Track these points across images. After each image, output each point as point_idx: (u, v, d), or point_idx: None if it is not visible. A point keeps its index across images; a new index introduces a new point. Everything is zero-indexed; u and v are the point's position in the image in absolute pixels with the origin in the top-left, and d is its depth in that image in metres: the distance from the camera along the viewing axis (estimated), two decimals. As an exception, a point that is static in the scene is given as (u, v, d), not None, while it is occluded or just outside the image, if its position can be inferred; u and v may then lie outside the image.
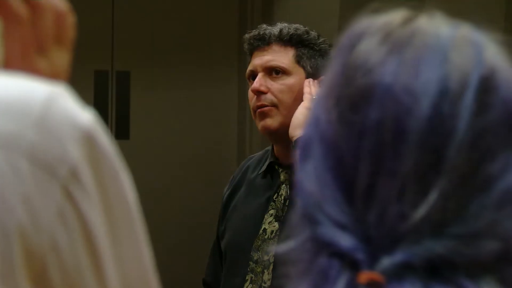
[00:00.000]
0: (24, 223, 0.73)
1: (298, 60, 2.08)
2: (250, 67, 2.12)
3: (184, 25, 4.77)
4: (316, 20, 4.09)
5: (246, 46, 2.13)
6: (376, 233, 0.73)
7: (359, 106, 0.74)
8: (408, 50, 0.75)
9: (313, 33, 2.11)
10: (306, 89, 2.05)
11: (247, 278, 2.06)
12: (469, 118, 0.72)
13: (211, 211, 4.84)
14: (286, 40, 2.08)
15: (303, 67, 2.09)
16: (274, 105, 2.08)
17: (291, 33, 2.08)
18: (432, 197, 0.71)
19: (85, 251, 0.75)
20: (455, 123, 0.72)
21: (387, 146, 0.72)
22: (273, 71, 2.09)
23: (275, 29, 2.09)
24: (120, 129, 4.57)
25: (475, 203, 0.72)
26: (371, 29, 0.77)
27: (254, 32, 2.12)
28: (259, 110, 2.09)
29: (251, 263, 2.06)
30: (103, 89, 4.65)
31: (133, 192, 0.80)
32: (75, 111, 0.77)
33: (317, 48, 2.10)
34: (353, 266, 0.73)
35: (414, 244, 0.71)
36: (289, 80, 2.08)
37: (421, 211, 0.71)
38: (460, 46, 0.75)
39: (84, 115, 0.77)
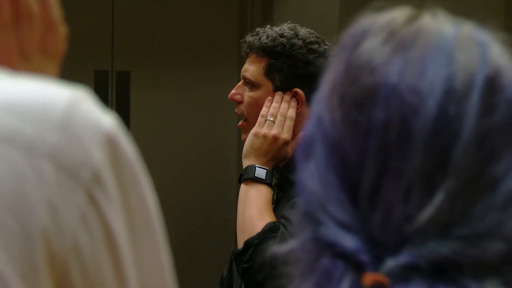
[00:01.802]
0: (48, 226, 0.73)
1: (267, 73, 2.04)
2: None
3: (184, 25, 4.76)
4: (316, 20, 4.08)
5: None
6: (380, 234, 0.72)
7: (364, 106, 0.73)
8: (412, 50, 0.74)
9: (297, 41, 2.03)
10: (262, 110, 2.03)
11: (239, 282, 2.06)
12: (475, 119, 0.72)
13: (212, 211, 4.84)
14: (261, 51, 2.04)
15: (271, 80, 2.04)
16: (244, 118, 2.09)
17: (263, 44, 2.03)
18: (438, 198, 0.71)
19: (106, 254, 0.76)
20: (461, 123, 0.71)
21: (392, 146, 0.72)
22: (247, 82, 2.07)
23: (256, 38, 2.05)
24: (120, 129, 4.56)
25: (481, 204, 0.72)
26: (374, 28, 0.77)
27: (246, 36, 2.09)
28: (237, 124, 2.12)
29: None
30: (103, 89, 4.64)
31: (154, 196, 0.80)
32: (97, 115, 0.77)
33: (294, 59, 2.02)
34: (357, 267, 0.72)
35: (419, 245, 0.71)
36: (257, 94, 2.06)
37: (427, 213, 0.70)
38: (465, 46, 0.74)
39: (106, 119, 0.77)
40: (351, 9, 4.22)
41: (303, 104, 2.04)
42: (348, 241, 0.72)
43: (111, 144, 0.76)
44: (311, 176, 0.76)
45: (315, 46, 2.04)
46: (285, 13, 4.45)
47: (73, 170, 0.74)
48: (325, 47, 2.05)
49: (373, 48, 0.75)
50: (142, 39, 4.71)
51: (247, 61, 2.08)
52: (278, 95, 2.03)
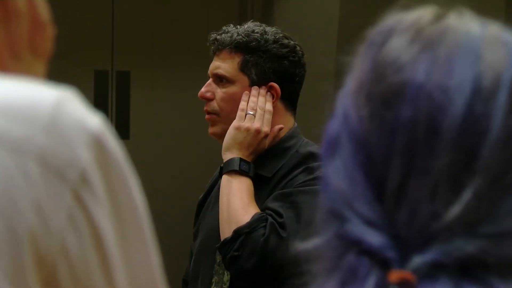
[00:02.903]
0: (35, 227, 0.73)
1: (243, 68, 2.08)
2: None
3: (184, 25, 4.76)
4: (316, 20, 4.08)
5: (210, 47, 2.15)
6: (407, 232, 0.72)
7: (392, 103, 0.73)
8: (440, 48, 0.74)
9: (269, 37, 2.09)
10: (240, 104, 2.07)
11: (213, 280, 2.08)
12: (502, 118, 0.72)
13: (211, 211, 4.83)
14: (235, 47, 2.08)
15: (247, 75, 2.08)
16: (216, 113, 2.11)
17: (237, 40, 2.08)
18: (466, 196, 0.71)
19: (94, 254, 0.76)
20: (488, 122, 0.72)
21: (419, 144, 0.72)
22: (219, 79, 2.10)
23: (227, 35, 2.09)
24: (120, 129, 4.55)
25: (507, 202, 0.72)
26: (401, 26, 0.77)
27: (213, 35, 2.12)
28: (206, 116, 2.13)
29: (215, 265, 2.08)
30: (103, 89, 4.64)
31: (142, 195, 0.80)
32: (84, 115, 0.77)
33: (268, 54, 2.08)
34: (383, 264, 0.72)
35: (445, 243, 0.71)
36: (231, 89, 2.09)
37: (454, 211, 0.71)
38: (492, 45, 0.75)
39: (93, 119, 0.77)
40: (351, 9, 4.21)
41: (277, 98, 2.09)
42: (374, 238, 0.72)
43: (97, 144, 0.76)
44: (337, 173, 0.76)
45: (286, 41, 2.10)
46: (285, 13, 4.45)
47: (60, 170, 0.74)
48: (294, 42, 2.12)
49: (400, 46, 0.75)
50: (142, 39, 4.70)
51: (217, 58, 2.11)
52: (255, 90, 2.08)
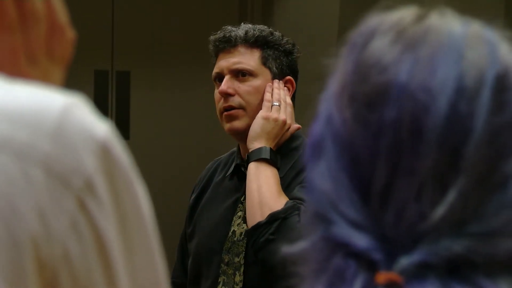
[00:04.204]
0: (37, 232, 0.72)
1: (264, 62, 2.11)
2: (216, 69, 2.14)
3: (184, 25, 4.76)
4: (316, 20, 4.09)
5: (211, 47, 2.15)
6: (393, 233, 0.72)
7: (375, 105, 0.73)
8: (422, 48, 0.74)
9: (277, 34, 2.14)
10: (266, 96, 2.09)
11: (219, 280, 2.07)
12: (486, 116, 0.72)
13: (211, 211, 4.84)
14: (252, 42, 2.10)
15: (269, 68, 2.11)
16: (242, 107, 2.10)
17: (256, 34, 2.10)
18: (451, 196, 0.71)
19: (97, 261, 0.75)
20: (472, 121, 0.71)
21: (404, 144, 0.72)
22: (240, 73, 2.11)
23: (240, 31, 2.11)
24: (120, 129, 4.55)
25: (493, 201, 0.72)
26: (383, 27, 0.77)
27: (219, 34, 2.13)
28: (226, 112, 2.12)
29: (222, 265, 2.07)
30: (103, 89, 4.64)
31: (148, 203, 0.80)
32: (91, 122, 0.76)
33: (282, 49, 2.12)
34: (370, 266, 0.72)
35: (432, 243, 0.71)
36: (256, 82, 2.11)
37: (440, 211, 0.70)
38: (474, 44, 0.75)
39: (100, 127, 0.77)
40: (351, 9, 4.21)
41: (293, 92, 2.14)
42: (361, 240, 0.72)
43: (104, 152, 0.76)
44: (322, 176, 0.76)
45: (287, 39, 2.15)
46: (285, 13, 4.45)
47: (65, 177, 0.74)
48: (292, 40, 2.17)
49: (382, 47, 0.75)
50: (142, 39, 4.71)
51: (231, 55, 2.11)
52: (277, 82, 2.11)
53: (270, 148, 2.04)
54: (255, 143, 2.06)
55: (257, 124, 2.06)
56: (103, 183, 0.75)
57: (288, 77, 2.12)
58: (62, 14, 0.87)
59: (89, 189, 0.74)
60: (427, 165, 0.71)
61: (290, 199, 1.99)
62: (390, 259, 0.71)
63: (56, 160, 0.74)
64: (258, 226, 1.97)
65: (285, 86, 2.12)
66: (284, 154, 2.09)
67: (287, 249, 0.78)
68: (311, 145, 0.78)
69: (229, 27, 2.13)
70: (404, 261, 0.71)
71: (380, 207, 0.73)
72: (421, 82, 0.72)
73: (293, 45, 2.15)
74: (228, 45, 2.11)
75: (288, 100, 2.10)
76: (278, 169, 2.05)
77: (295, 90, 2.16)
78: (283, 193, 2.00)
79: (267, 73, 2.11)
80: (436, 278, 0.70)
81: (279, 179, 2.03)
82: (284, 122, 2.07)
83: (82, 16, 4.50)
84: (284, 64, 2.12)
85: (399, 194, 0.72)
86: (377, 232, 0.72)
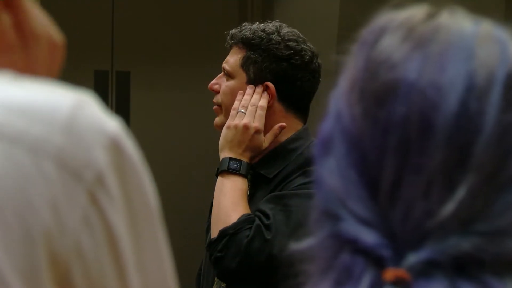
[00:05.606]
0: (50, 226, 0.73)
1: (243, 64, 2.09)
2: None
3: (184, 25, 4.76)
4: (316, 20, 4.09)
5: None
6: (401, 230, 0.72)
7: (385, 102, 0.73)
8: (432, 46, 0.74)
9: (275, 37, 2.07)
10: (234, 103, 2.08)
11: (215, 279, 2.08)
12: (496, 115, 0.72)
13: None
14: (241, 43, 2.10)
15: (246, 72, 2.09)
16: (219, 105, 2.14)
17: (243, 36, 2.09)
18: (460, 194, 0.71)
19: (109, 255, 0.76)
20: (482, 119, 0.71)
21: (413, 142, 0.72)
22: (225, 72, 2.13)
23: (238, 31, 2.12)
24: (120, 129, 4.56)
25: (501, 200, 0.72)
26: (393, 25, 0.77)
27: (232, 30, 2.15)
28: (214, 107, 2.17)
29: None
30: (103, 89, 4.64)
31: (156, 199, 0.80)
32: (102, 118, 0.77)
33: (271, 53, 2.07)
34: (378, 263, 0.72)
35: (440, 241, 0.71)
36: (231, 83, 2.11)
37: (448, 208, 0.70)
38: (485, 42, 0.75)
39: (111, 123, 0.78)
40: (351, 9, 4.21)
41: (273, 98, 2.08)
42: (369, 237, 0.72)
43: (115, 147, 0.77)
44: (331, 173, 0.76)
45: (293, 44, 2.08)
46: (285, 13, 4.45)
47: (77, 171, 0.75)
48: (304, 46, 2.09)
49: (392, 44, 0.75)
50: (142, 39, 4.71)
51: (230, 52, 2.14)
52: (249, 88, 2.08)
53: (230, 157, 2.03)
54: (220, 154, 2.07)
55: (222, 134, 2.08)
56: (114, 178, 0.76)
57: (267, 82, 2.06)
58: (55, 31, 0.88)
59: (100, 183, 0.75)
60: (435, 163, 0.71)
61: (255, 210, 1.98)
62: (398, 256, 0.71)
63: (68, 155, 0.75)
64: (210, 243, 1.98)
65: (266, 91, 2.07)
66: (279, 156, 2.07)
67: (294, 246, 0.78)
68: (320, 142, 0.78)
69: (245, 24, 2.15)
70: (412, 258, 0.71)
71: (388, 204, 0.73)
72: (430, 79, 0.72)
73: (295, 52, 2.07)
74: (230, 42, 2.14)
75: (262, 103, 2.05)
76: (245, 176, 2.03)
77: (296, 96, 2.10)
78: (243, 204, 1.99)
79: (243, 76, 2.09)
80: (443, 276, 0.70)
81: (242, 187, 2.01)
82: (246, 127, 2.03)
83: (82, 16, 4.51)
84: (264, 68, 2.07)
85: (407, 191, 0.72)
86: (385, 229, 0.72)
